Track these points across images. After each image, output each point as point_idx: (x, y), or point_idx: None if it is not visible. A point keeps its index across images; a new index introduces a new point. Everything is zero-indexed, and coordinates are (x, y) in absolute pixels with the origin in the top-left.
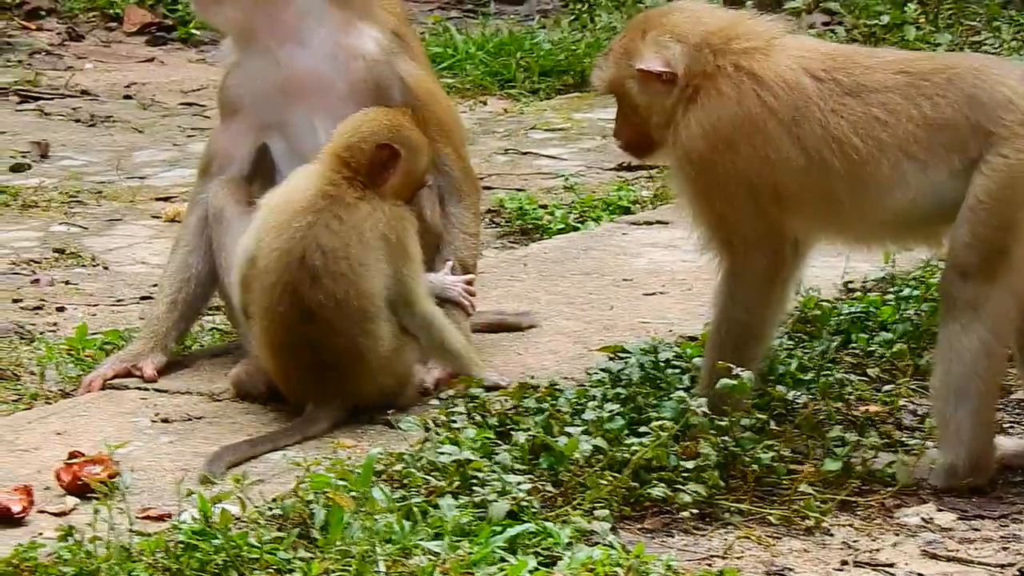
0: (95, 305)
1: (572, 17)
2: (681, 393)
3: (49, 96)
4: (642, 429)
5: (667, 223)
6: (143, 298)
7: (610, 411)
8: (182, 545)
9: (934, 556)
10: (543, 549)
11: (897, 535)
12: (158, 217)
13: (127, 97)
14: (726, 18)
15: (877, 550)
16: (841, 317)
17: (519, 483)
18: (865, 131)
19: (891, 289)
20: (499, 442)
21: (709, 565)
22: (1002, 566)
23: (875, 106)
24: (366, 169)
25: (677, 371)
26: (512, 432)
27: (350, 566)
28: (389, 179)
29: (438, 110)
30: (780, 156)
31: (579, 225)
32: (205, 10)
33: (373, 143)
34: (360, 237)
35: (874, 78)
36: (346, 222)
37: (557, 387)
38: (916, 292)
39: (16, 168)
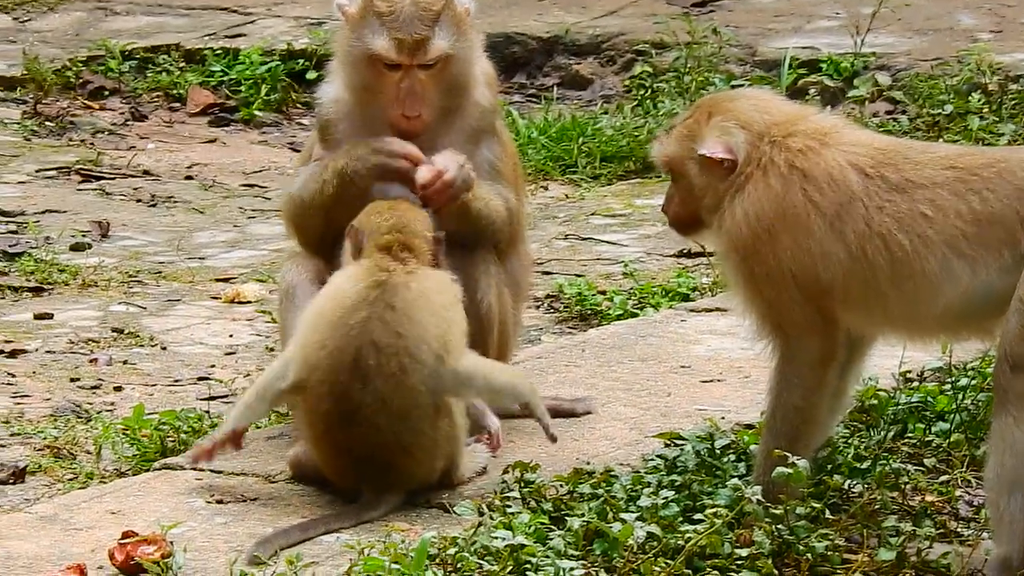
0: (153, 385)
1: (635, 103)
2: (736, 481)
3: (111, 176)
4: (697, 516)
5: (725, 310)
6: (200, 379)
7: (665, 498)
8: None
9: None
10: None
11: None
12: (217, 298)
13: (188, 178)
14: (790, 112)
15: None
16: (898, 407)
17: (572, 569)
18: (911, 228)
19: (948, 379)
20: (553, 527)
21: None
22: None
23: (922, 202)
24: (426, 258)
25: (733, 459)
26: (566, 517)
27: None
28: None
29: (517, 183)
30: (822, 250)
31: (638, 311)
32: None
33: (426, 236)
34: (410, 318)
35: (923, 174)
36: (399, 309)
37: (612, 473)
38: (973, 382)
39: (76, 247)
